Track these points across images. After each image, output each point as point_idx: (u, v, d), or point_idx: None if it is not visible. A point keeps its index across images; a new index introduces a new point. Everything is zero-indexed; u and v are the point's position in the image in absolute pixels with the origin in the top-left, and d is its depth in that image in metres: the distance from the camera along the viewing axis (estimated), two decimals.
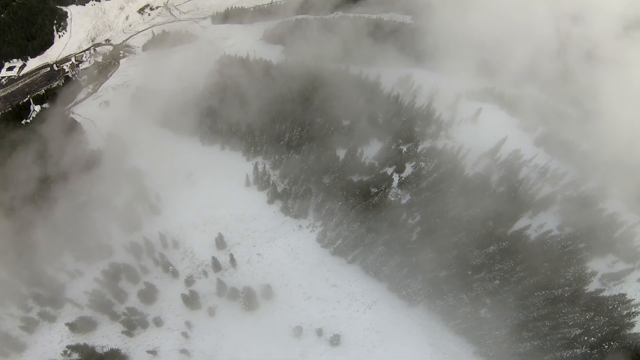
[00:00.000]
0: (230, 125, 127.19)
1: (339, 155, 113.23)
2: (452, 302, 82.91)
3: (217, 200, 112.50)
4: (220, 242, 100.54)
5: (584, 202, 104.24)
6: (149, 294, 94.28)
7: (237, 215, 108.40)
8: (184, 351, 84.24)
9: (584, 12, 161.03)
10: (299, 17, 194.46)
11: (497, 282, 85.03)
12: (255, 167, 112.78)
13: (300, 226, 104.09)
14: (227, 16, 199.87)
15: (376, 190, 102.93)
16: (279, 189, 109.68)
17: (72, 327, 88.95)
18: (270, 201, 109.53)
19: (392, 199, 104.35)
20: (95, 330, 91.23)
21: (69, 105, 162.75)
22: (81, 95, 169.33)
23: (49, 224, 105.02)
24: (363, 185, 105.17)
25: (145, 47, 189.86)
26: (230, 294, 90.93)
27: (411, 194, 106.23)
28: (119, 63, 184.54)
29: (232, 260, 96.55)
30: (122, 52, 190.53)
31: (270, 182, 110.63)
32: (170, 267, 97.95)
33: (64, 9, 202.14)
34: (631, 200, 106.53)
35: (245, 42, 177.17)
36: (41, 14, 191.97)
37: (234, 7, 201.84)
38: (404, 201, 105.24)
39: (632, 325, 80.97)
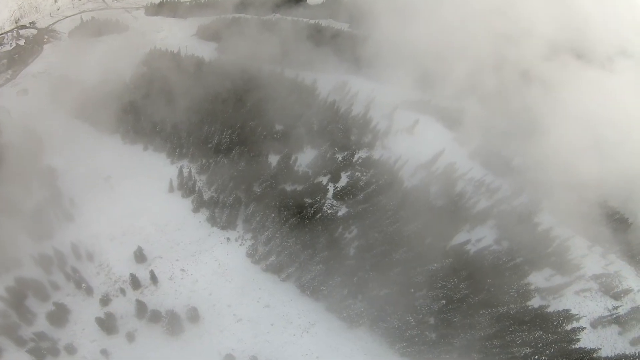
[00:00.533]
0: (155, 123, 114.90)
1: (271, 161, 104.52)
2: (397, 324, 76.10)
3: (137, 207, 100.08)
4: (139, 256, 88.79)
5: (519, 217, 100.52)
6: (59, 316, 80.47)
7: (159, 225, 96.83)
8: None
9: (517, 35, 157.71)
10: (236, 15, 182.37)
11: (443, 301, 79.59)
12: (180, 171, 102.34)
13: (228, 239, 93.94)
14: (161, 8, 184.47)
15: (311, 201, 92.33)
16: (206, 197, 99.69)
17: None
18: (196, 210, 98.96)
19: (329, 211, 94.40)
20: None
21: None
22: None
23: None
24: (297, 195, 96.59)
25: (72, 34, 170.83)
26: (151, 316, 79.93)
27: (347, 205, 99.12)
28: (42, 48, 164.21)
29: (153, 276, 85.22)
30: (47, 37, 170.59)
31: (196, 189, 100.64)
32: (84, 285, 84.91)
33: None
34: (562, 214, 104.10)
35: (177, 36, 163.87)
36: None
37: None
38: (340, 213, 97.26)
39: (578, 340, 77.82)
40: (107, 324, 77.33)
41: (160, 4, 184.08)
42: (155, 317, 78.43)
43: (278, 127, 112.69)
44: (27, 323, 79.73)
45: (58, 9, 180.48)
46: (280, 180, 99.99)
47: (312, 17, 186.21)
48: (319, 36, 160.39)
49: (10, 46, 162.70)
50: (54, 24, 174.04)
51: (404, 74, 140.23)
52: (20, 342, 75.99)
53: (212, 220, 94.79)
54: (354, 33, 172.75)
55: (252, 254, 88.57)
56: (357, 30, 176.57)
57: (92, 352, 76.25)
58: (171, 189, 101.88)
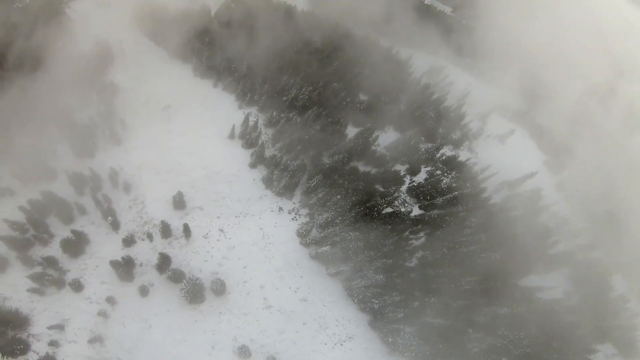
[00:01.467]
0: (231, 61, 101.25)
1: (347, 133, 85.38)
2: None
3: (191, 145, 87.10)
4: (178, 202, 74.88)
5: (594, 273, 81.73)
6: (75, 245, 67.48)
7: (210, 171, 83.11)
8: (95, 338, 59.32)
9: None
10: None
11: (504, 359, 62.45)
12: (246, 119, 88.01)
13: (280, 208, 78.39)
14: None
15: (383, 190, 75.39)
16: (267, 154, 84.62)
17: None
18: (253, 165, 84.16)
19: (401, 208, 77.22)
20: (3, 272, 63.86)
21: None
22: None
23: None
24: (369, 179, 78.31)
25: None
26: (173, 275, 65.64)
27: (421, 206, 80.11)
28: None
29: (187, 229, 71.08)
30: None
31: (259, 142, 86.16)
32: (110, 218, 71.76)
33: None
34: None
35: None
36: None
37: None
38: (412, 213, 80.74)
39: None
40: (123, 269, 64.24)
41: None
42: (176, 276, 64.53)
43: (362, 97, 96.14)
44: (42, 243, 67.96)
45: None
46: (354, 156, 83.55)
47: None
48: (424, 10, 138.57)
49: None
50: None
51: (507, 75, 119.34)
52: (27, 261, 64.48)
53: (268, 182, 79.90)
54: (459, 18, 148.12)
55: (303, 234, 72.66)
56: (462, 15, 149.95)
57: (98, 295, 63.34)
58: (232, 136, 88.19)
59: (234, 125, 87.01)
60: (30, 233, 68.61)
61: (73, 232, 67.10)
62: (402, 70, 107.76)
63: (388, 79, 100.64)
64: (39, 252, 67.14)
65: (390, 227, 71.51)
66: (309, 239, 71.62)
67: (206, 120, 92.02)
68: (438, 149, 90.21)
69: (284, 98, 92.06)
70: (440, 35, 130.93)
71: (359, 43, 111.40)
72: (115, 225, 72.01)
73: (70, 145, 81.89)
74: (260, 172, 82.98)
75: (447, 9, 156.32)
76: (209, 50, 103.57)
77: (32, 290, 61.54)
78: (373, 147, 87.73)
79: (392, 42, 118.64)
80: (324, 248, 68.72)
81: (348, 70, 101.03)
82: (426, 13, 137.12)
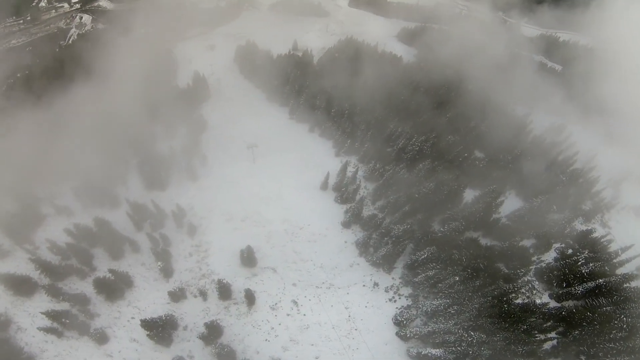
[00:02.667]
0: (330, 106, 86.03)
1: (465, 196, 65.06)
2: None
3: (274, 192, 72.41)
4: (247, 257, 57.88)
5: None
6: (114, 287, 52.86)
7: (292, 225, 66.58)
8: None
9: None
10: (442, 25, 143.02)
11: None
12: (344, 168, 71.23)
13: (376, 284, 57.87)
14: (366, 3, 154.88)
15: (507, 272, 54.00)
16: (366, 212, 66.66)
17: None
18: (347, 224, 65.98)
19: (527, 294, 54.79)
20: (29, 298, 51.43)
21: (176, 38, 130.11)
22: (191, 33, 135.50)
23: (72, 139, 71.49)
24: (492, 255, 55.98)
25: (272, 7, 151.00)
26: (220, 351, 47.02)
27: (552, 294, 56.47)
28: (240, 14, 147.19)
29: (250, 295, 53.16)
30: (247, 4, 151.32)
31: (357, 197, 68.58)
32: (160, 264, 56.37)
33: None
34: None
35: (377, 33, 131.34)
36: None
37: None
38: (539, 301, 56.89)
39: None
40: (161, 330, 47.29)
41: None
42: (225, 354, 46.09)
43: (479, 154, 76.00)
44: (80, 276, 54.82)
45: None
46: (472, 225, 62.10)
47: (543, 25, 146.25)
48: (536, 66, 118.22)
49: (211, 4, 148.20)
50: None
51: None
52: (56, 293, 50.82)
53: (363, 248, 60.87)
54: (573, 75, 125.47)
55: (402, 323, 51.21)
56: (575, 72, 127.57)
57: (122, 355, 47.57)
58: (325, 186, 71.75)
59: (328, 174, 70.27)
60: (70, 261, 55.61)
61: (112, 271, 51.79)
62: (519, 128, 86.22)
63: (507, 136, 79.88)
64: (74, 285, 53.61)
65: (525, 326, 48.07)
66: (409, 330, 49.71)
67: (296, 166, 76.81)
68: (570, 221, 66.39)
69: (389, 149, 74.86)
70: (556, 92, 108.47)
71: (473, 96, 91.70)
72: (167, 272, 56.40)
73: (142, 174, 70.40)
74: (355, 233, 64.41)
75: (557, 67, 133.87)
76: (307, 94, 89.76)
77: (49, 330, 46.78)
78: (495, 215, 65.17)
79: (506, 97, 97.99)
80: (432, 351, 45.91)
81: (463, 122, 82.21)
82: (539, 70, 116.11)
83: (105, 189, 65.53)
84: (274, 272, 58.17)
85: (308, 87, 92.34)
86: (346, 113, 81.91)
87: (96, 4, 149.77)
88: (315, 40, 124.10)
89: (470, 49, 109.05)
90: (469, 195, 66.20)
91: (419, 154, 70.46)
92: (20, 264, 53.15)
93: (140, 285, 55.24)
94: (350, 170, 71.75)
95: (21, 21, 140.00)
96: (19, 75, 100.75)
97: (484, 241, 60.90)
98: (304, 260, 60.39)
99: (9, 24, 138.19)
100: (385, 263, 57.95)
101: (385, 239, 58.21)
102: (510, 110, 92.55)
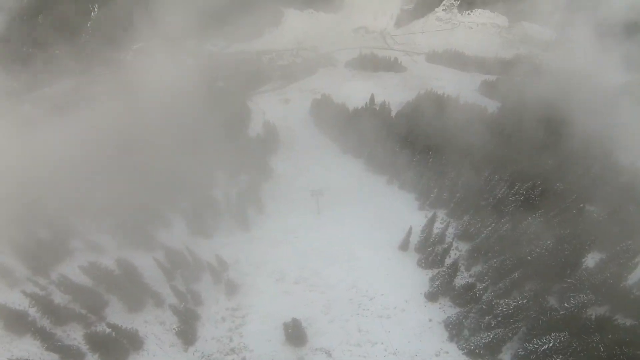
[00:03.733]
0: (413, 153, 73.48)
1: (585, 260, 48.68)
2: None
3: (340, 250, 58.99)
4: (293, 334, 44.15)
5: None
6: (114, 346, 41.73)
7: (359, 294, 52.30)
8: None
9: None
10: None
11: None
12: (430, 222, 56.58)
13: None
14: (443, 57, 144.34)
15: None
16: (459, 281, 51.14)
17: None
18: (433, 296, 50.52)
19: None
20: (19, 338, 43.31)
21: (252, 92, 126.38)
22: (266, 88, 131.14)
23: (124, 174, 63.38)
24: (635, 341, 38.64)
25: (348, 64, 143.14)
26: None
27: None
28: (317, 70, 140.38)
29: None
30: (323, 61, 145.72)
31: (447, 260, 53.38)
32: (177, 327, 44.19)
33: (283, 9, 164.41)
34: None
35: (457, 86, 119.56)
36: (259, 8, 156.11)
37: (454, 50, 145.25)
38: None
39: None
40: None
41: (444, 54, 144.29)
42: None
43: (590, 207, 58.13)
44: (83, 324, 45.16)
45: (341, 40, 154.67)
46: (599, 298, 44.94)
47: None
48: None
49: (287, 61, 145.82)
50: (333, 52, 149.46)
51: None
52: (47, 338, 41.26)
53: (455, 330, 45.00)
54: None
55: None
56: None
57: None
58: (405, 246, 57.40)
59: (410, 230, 55.86)
60: (78, 304, 45.90)
61: (113, 326, 40.04)
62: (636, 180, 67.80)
63: (623, 189, 62.05)
64: (73, 333, 43.82)
65: None
66: None
67: (371, 221, 63.93)
68: None
69: (486, 202, 60.02)
70: None
71: (575, 140, 76.88)
72: (187, 338, 44.07)
73: (187, 217, 60.23)
74: (444, 309, 48.64)
75: None
76: (385, 145, 78.00)
77: None
78: (625, 283, 46.79)
79: (610, 144, 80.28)
80: None
81: (570, 169, 66.03)
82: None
83: (143, 229, 55.60)
84: (328, 357, 43.48)
85: (386, 138, 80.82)
86: (430, 160, 68.88)
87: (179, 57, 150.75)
88: (393, 94, 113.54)
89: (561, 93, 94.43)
90: (590, 259, 48.72)
91: (525, 204, 54.90)
92: (23, 298, 43.23)
93: (150, 349, 43.48)
94: (438, 226, 57.20)
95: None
96: None
97: (625, 320, 42.91)
98: (372, 343, 45.04)
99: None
100: (487, 353, 41.74)
101: (487, 318, 42.29)
102: (614, 159, 75.09)
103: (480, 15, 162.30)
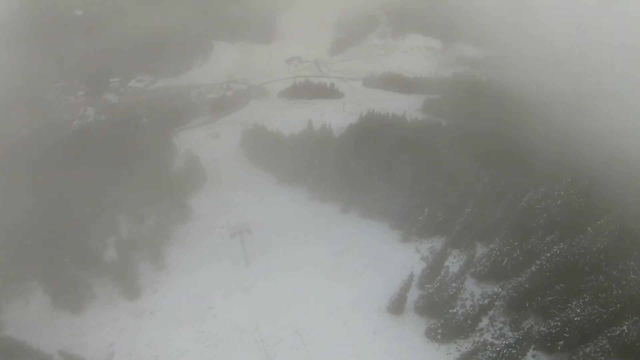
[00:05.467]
0: (371, 172, 53.33)
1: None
2: None
3: (283, 325, 37.98)
4: None
5: None
6: None
7: None
8: None
9: None
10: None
11: None
12: (438, 260, 38.09)
13: None
14: (381, 81, 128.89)
15: None
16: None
17: None
18: None
19: None
20: None
21: (179, 128, 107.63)
22: (195, 122, 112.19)
23: None
24: None
25: (281, 93, 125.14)
26: None
27: None
28: (248, 102, 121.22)
29: None
30: (255, 93, 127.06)
31: (481, 324, 32.89)
32: None
33: (213, 42, 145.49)
34: None
35: (399, 107, 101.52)
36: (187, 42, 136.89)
37: (390, 73, 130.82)
38: None
39: None
40: None
41: (381, 77, 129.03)
42: None
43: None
44: None
45: (273, 71, 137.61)
46: None
47: None
48: None
49: (217, 94, 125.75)
50: (265, 83, 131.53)
51: None
52: None
53: None
54: None
55: None
56: None
57: None
58: (398, 307, 36.40)
59: (410, 278, 34.69)
60: None
61: None
62: None
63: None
64: None
65: None
66: None
67: (330, 268, 43.41)
68: None
69: (506, 221, 40.53)
70: None
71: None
72: None
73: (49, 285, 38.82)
74: None
75: None
76: (333, 169, 58.12)
77: None
78: None
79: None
80: None
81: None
82: None
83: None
84: None
85: (333, 161, 60.97)
86: (397, 176, 49.96)
87: (102, 97, 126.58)
88: (332, 120, 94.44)
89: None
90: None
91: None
92: None
93: None
94: (452, 265, 36.85)
95: (28, 111, 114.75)
96: None
97: None
98: None
99: (15, 114, 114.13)
100: None
101: None
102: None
103: (413, 40, 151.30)
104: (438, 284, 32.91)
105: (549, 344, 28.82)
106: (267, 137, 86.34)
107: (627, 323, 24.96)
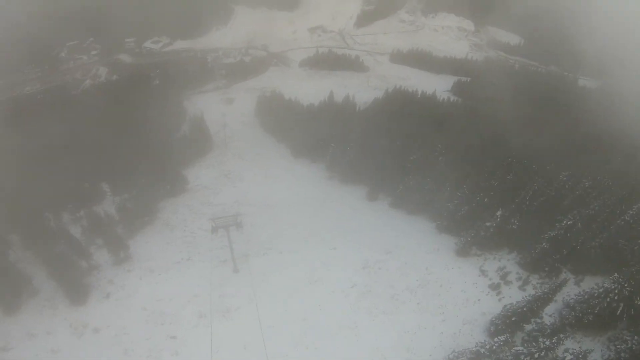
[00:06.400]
0: (405, 154, 41.33)
1: None
2: None
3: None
4: None
5: None
6: None
7: None
8: None
9: None
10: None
11: None
12: (550, 293, 24.65)
13: None
14: (409, 58, 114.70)
15: None
16: None
17: None
18: None
19: None
20: None
21: (192, 91, 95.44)
22: (210, 86, 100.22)
23: None
24: None
25: (302, 63, 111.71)
26: None
27: None
28: (267, 69, 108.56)
29: None
30: (275, 60, 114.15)
31: None
32: None
33: (233, 6, 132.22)
34: None
35: (426, 86, 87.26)
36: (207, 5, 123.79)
37: (420, 49, 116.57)
38: None
39: None
40: None
41: (409, 54, 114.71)
42: None
43: None
44: None
45: (295, 40, 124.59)
46: None
47: None
48: None
49: (235, 59, 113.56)
50: (286, 51, 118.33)
51: None
52: None
53: None
54: None
55: None
56: None
57: None
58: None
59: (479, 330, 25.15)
60: None
61: None
62: None
63: None
64: None
65: None
66: None
67: (360, 295, 30.31)
68: None
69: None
70: None
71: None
72: None
73: None
74: None
75: None
76: (358, 146, 46.31)
77: None
78: None
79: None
80: None
81: None
82: None
83: None
84: None
85: (357, 138, 49.13)
86: (440, 160, 38.01)
87: (115, 57, 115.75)
88: (356, 93, 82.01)
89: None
90: None
91: None
92: None
93: None
94: (528, 297, 25.12)
95: (39, 70, 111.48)
96: None
97: None
98: None
99: (26, 72, 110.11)
100: None
101: None
102: None
103: (445, 19, 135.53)
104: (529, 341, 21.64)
105: None
106: (284, 105, 75.07)
107: None
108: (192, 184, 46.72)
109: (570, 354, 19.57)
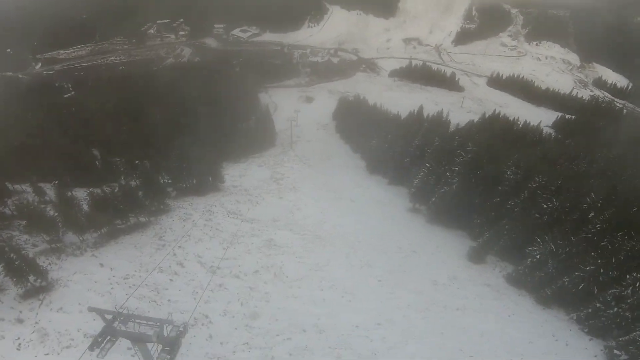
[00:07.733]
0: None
1: None
2: None
3: None
4: None
5: None
6: None
7: None
8: None
9: None
10: None
11: None
12: None
13: None
14: (509, 84, 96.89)
15: None
16: None
17: None
18: None
19: None
20: None
21: (271, 84, 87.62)
22: (291, 82, 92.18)
23: None
24: None
25: (393, 73, 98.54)
26: None
27: None
28: (355, 74, 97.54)
29: None
30: (364, 66, 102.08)
31: None
32: None
33: (328, 5, 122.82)
34: None
35: (528, 117, 68.97)
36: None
37: (521, 77, 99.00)
38: None
39: None
40: None
41: (509, 80, 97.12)
42: None
43: None
44: None
45: (388, 49, 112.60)
46: None
47: None
48: None
49: (322, 59, 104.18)
50: (377, 58, 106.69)
51: None
52: None
53: None
54: None
55: None
56: None
57: None
58: None
59: None
60: None
61: None
62: None
63: None
64: None
65: None
66: None
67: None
68: None
69: None
70: None
71: None
72: None
73: None
74: None
75: None
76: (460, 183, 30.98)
77: None
78: None
79: None
80: None
81: None
82: None
83: None
84: None
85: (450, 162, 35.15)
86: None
87: (201, 40, 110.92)
88: (449, 113, 67.72)
89: None
90: None
91: None
92: None
93: None
94: None
95: (126, 42, 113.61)
96: None
97: None
98: None
99: (114, 42, 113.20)
100: None
101: None
102: None
103: (549, 49, 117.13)
104: None
105: None
106: (367, 110, 63.12)
107: None
108: (230, 183, 35.16)
109: None
